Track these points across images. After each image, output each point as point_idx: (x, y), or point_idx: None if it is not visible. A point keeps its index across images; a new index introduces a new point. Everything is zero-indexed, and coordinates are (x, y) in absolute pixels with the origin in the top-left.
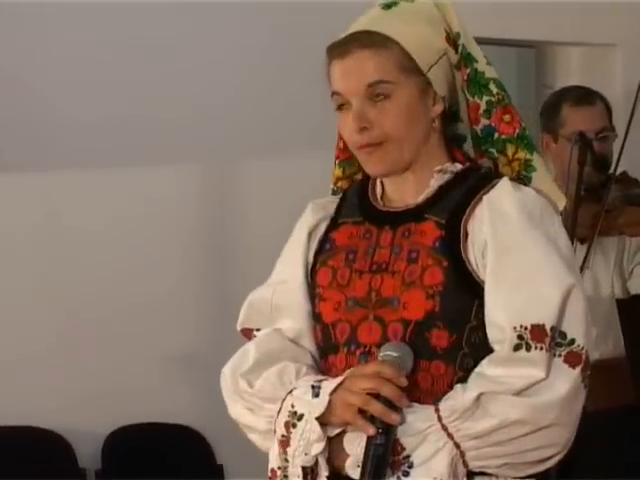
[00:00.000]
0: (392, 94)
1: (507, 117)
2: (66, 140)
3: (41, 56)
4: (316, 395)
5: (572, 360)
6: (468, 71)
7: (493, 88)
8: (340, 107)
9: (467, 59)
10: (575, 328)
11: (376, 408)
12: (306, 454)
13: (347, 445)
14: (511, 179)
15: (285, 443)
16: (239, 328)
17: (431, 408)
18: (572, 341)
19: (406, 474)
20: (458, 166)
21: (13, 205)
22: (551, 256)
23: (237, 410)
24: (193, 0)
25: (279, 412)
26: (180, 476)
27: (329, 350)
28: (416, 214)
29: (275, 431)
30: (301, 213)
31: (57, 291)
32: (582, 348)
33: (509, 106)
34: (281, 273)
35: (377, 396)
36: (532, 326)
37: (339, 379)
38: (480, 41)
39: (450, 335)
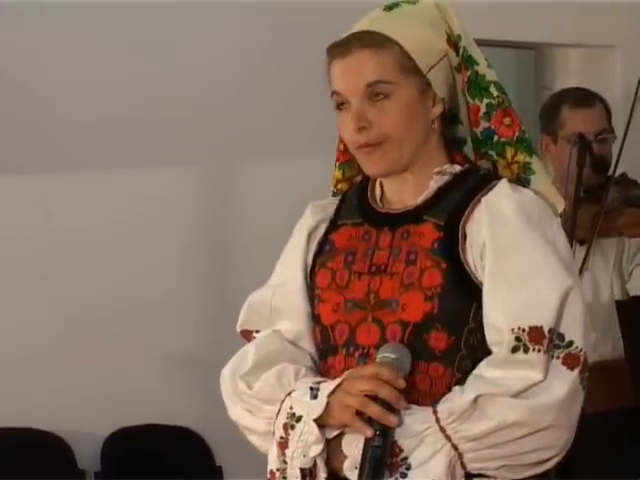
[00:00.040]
0: (391, 94)
1: (507, 120)
2: (65, 141)
3: (41, 56)
4: (314, 397)
5: (570, 362)
6: (469, 73)
7: (493, 91)
8: (340, 107)
9: (468, 61)
10: (573, 330)
11: (374, 410)
12: (304, 456)
13: (345, 447)
14: (510, 180)
15: (284, 445)
16: (239, 330)
17: (429, 410)
18: (570, 343)
19: (404, 476)
20: (457, 168)
21: (12, 207)
22: (549, 258)
23: (236, 412)
24: (193, 0)
25: (278, 414)
26: (179, 477)
27: (328, 352)
28: (415, 216)
29: (274, 433)
30: (300, 214)
31: (57, 293)
32: (580, 350)
33: (509, 109)
34: (280, 275)
35: (375, 398)
36: (530, 328)
37: (337, 381)
38: (479, 43)
39: (448, 337)
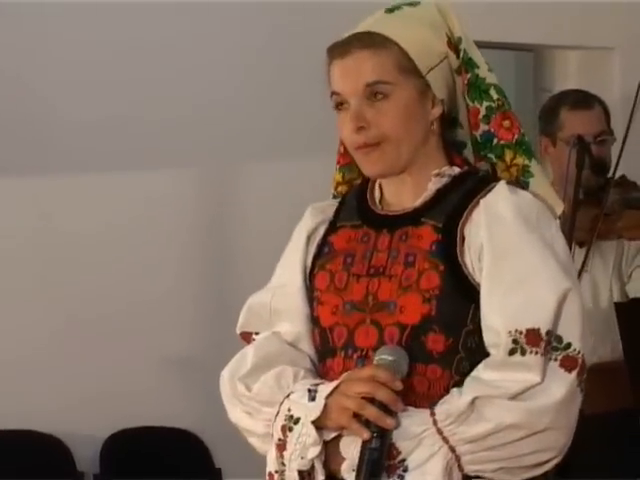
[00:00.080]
0: (390, 94)
1: (506, 123)
2: (65, 141)
3: (41, 56)
4: (312, 399)
5: (568, 364)
6: (469, 76)
7: (493, 94)
8: (339, 107)
9: (468, 64)
10: (571, 332)
11: (371, 412)
12: (302, 458)
13: (343, 449)
14: (508, 182)
15: (282, 447)
16: (238, 332)
17: (427, 412)
18: (568, 345)
19: (401, 478)
20: (456, 170)
21: (11, 206)
22: (547, 260)
23: (236, 414)
24: (193, 0)
25: (276, 416)
26: (178, 479)
27: (327, 354)
28: (413, 218)
29: (272, 435)
30: (300, 216)
31: (55, 295)
32: (578, 352)
33: (509, 112)
34: (280, 277)
35: (372, 400)
36: (527, 330)
37: (335, 383)
38: (478, 44)
39: (446, 339)
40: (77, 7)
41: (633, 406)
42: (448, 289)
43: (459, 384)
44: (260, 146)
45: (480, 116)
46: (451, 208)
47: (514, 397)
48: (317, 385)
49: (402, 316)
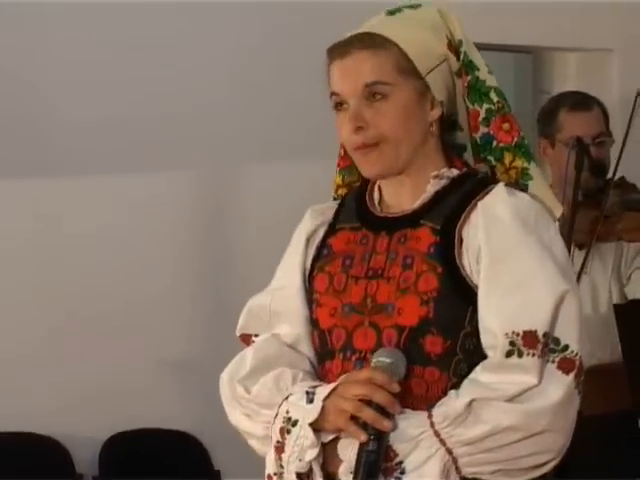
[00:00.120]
0: (389, 95)
1: (506, 125)
2: (65, 141)
3: (41, 56)
4: (310, 401)
5: (565, 366)
6: (469, 78)
7: (493, 96)
8: (338, 107)
9: (469, 66)
10: (569, 334)
11: (368, 414)
12: (300, 460)
13: (341, 451)
14: (507, 184)
15: (280, 449)
16: (238, 334)
17: (424, 414)
18: (566, 347)
19: None
20: (454, 171)
21: (10, 206)
22: (545, 262)
23: (236, 416)
24: (194, 0)
25: (275, 418)
26: None
27: (326, 356)
28: (412, 220)
29: (271, 437)
30: (298, 217)
31: (53, 296)
32: (576, 354)
33: (508, 115)
34: (280, 280)
35: (369, 402)
36: (524, 332)
37: (332, 385)
38: (477, 46)
39: (444, 341)
40: (77, 7)
41: (632, 408)
42: (446, 291)
43: (457, 386)
44: (259, 147)
45: (480, 118)
46: (449, 210)
47: (511, 399)
48: (315, 387)
49: (400, 318)
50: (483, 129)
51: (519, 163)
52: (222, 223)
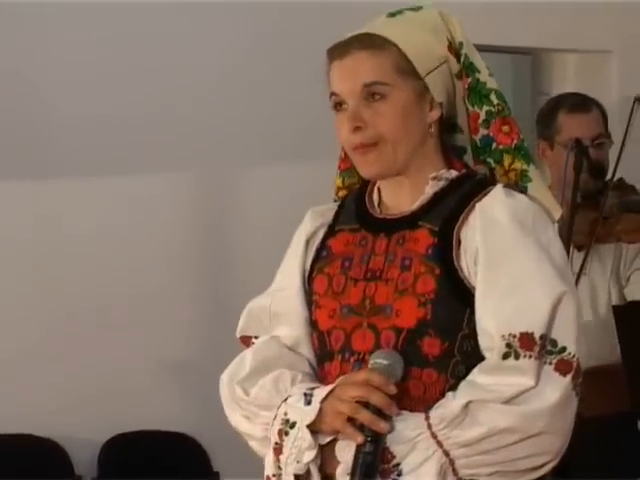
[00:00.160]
0: (388, 95)
1: (506, 128)
2: (64, 140)
3: (41, 56)
4: (308, 403)
5: (563, 368)
6: (470, 80)
7: (494, 99)
8: (337, 108)
9: (469, 68)
10: (566, 336)
11: (364, 416)
12: (298, 462)
13: (339, 453)
14: (506, 186)
15: (278, 451)
16: (238, 336)
17: (421, 416)
18: (563, 349)
19: None
20: (453, 173)
21: (8, 206)
22: (542, 264)
23: (235, 418)
24: (195, 1)
25: (274, 419)
26: None
27: (325, 357)
28: (410, 221)
29: (270, 439)
30: (297, 219)
31: (54, 297)
32: (573, 356)
33: (508, 117)
34: (280, 281)
35: (366, 404)
36: (521, 334)
37: (330, 387)
38: (476, 48)
39: (442, 343)
40: (77, 7)
41: (631, 409)
42: (443, 293)
43: (455, 388)
44: (259, 148)
45: (480, 120)
46: (448, 211)
47: (508, 401)
48: (313, 389)
49: (398, 320)
50: (483, 131)
51: (518, 165)
52: (221, 224)
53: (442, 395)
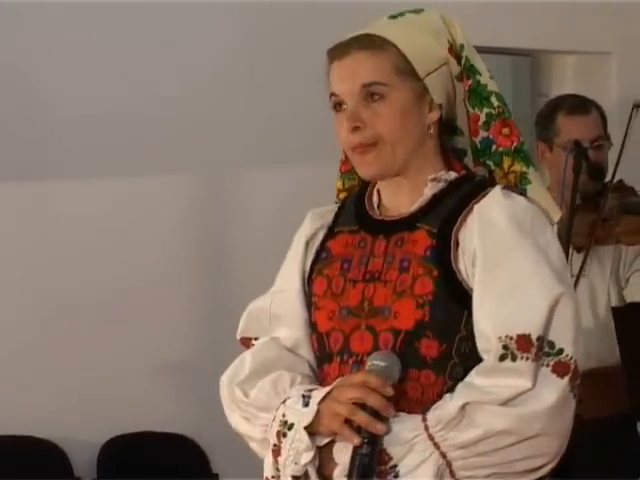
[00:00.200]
0: (387, 96)
1: (506, 130)
2: (64, 140)
3: (41, 56)
4: (306, 404)
5: (560, 370)
6: (470, 82)
7: (494, 101)
8: (337, 108)
9: (470, 71)
10: (563, 337)
11: (361, 418)
12: (296, 463)
13: (336, 454)
14: (504, 187)
15: (277, 452)
16: (238, 337)
17: (418, 418)
18: (560, 351)
19: None
20: (452, 174)
21: (9, 207)
22: (540, 266)
23: (235, 419)
24: (196, 1)
25: (273, 421)
26: None
27: (324, 359)
28: (409, 223)
29: (269, 440)
30: (297, 220)
31: (53, 298)
32: (571, 358)
33: (508, 120)
34: (280, 283)
35: (363, 406)
36: (518, 336)
37: (328, 388)
38: (475, 49)
39: (440, 345)
40: (77, 7)
41: (630, 411)
42: (442, 295)
43: (452, 390)
44: (259, 149)
45: (480, 122)
46: (446, 213)
47: (505, 403)
48: (311, 391)
49: (396, 322)
50: (483, 133)
51: (518, 167)
52: (220, 224)
53: (440, 397)
